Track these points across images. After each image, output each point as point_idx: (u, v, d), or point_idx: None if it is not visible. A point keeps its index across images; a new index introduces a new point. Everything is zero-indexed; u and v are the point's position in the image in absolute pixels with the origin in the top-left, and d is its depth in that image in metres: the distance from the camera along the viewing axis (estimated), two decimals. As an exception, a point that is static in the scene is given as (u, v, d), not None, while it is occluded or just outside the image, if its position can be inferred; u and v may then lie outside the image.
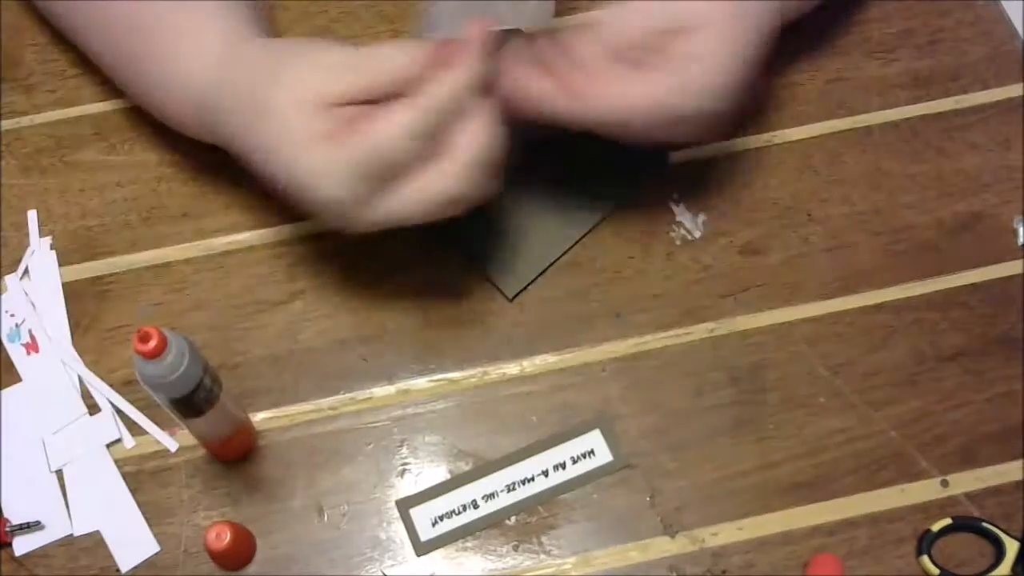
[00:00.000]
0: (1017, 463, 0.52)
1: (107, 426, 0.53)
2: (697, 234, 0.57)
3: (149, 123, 0.60)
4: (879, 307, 0.55)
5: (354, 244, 0.57)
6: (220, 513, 0.52)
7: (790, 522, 0.51)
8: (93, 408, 0.54)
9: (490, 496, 0.52)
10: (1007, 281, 0.56)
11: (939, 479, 0.52)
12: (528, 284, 0.56)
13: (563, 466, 0.52)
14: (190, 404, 0.45)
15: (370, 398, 0.54)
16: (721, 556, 0.50)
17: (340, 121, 0.47)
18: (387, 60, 0.48)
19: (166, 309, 0.56)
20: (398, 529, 0.51)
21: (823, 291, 0.56)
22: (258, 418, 0.54)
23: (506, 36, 0.50)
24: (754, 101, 0.59)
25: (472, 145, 0.47)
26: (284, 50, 0.50)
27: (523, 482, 0.52)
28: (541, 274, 0.56)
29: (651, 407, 0.53)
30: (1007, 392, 0.53)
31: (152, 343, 0.41)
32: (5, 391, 0.54)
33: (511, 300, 0.56)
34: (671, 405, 0.53)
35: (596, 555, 0.51)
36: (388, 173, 0.47)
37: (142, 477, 0.52)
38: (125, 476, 0.52)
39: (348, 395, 0.54)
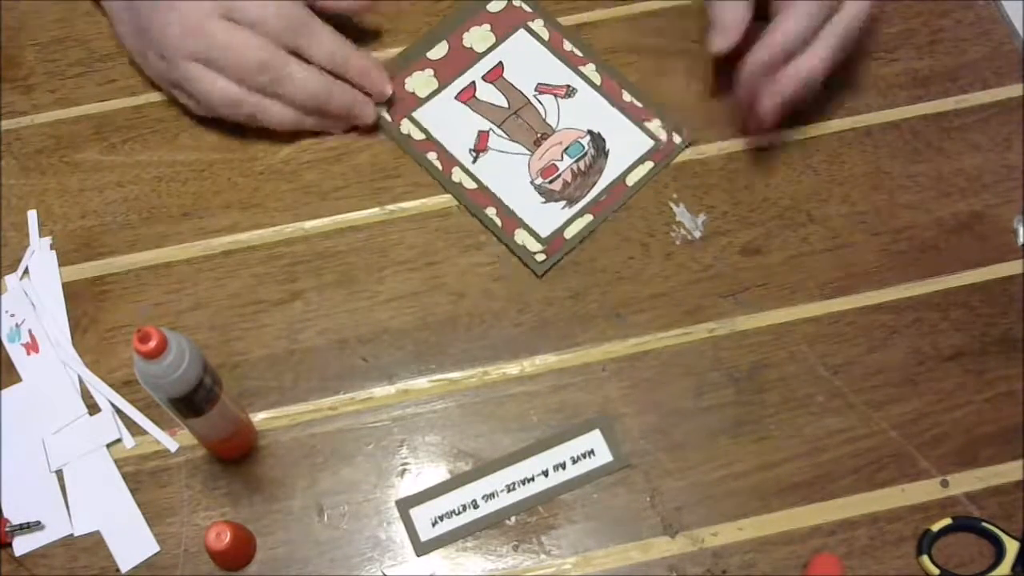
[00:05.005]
0: (1017, 463, 0.52)
1: (107, 426, 0.53)
2: (697, 234, 0.57)
3: (149, 123, 0.61)
4: (879, 307, 0.55)
5: (354, 244, 0.57)
6: (220, 513, 0.52)
7: (790, 522, 0.51)
8: (93, 408, 0.54)
9: (490, 496, 0.52)
10: (1007, 281, 0.56)
11: (939, 479, 0.52)
12: (562, 257, 0.56)
13: (563, 466, 0.52)
14: (190, 404, 0.45)
15: (370, 398, 0.54)
16: (721, 556, 0.50)
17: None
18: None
19: (166, 309, 0.56)
20: (398, 529, 0.51)
21: (823, 291, 0.56)
22: (258, 418, 0.54)
23: None
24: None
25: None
26: None
27: (523, 482, 0.52)
28: (572, 250, 0.57)
29: (651, 407, 0.53)
30: (1007, 392, 0.53)
31: (152, 343, 0.41)
32: (5, 391, 0.54)
33: (540, 277, 0.56)
34: (671, 405, 0.53)
35: (596, 555, 0.51)
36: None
37: (142, 477, 0.52)
38: (125, 476, 0.52)
39: (348, 395, 0.54)
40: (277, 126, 0.58)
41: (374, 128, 0.60)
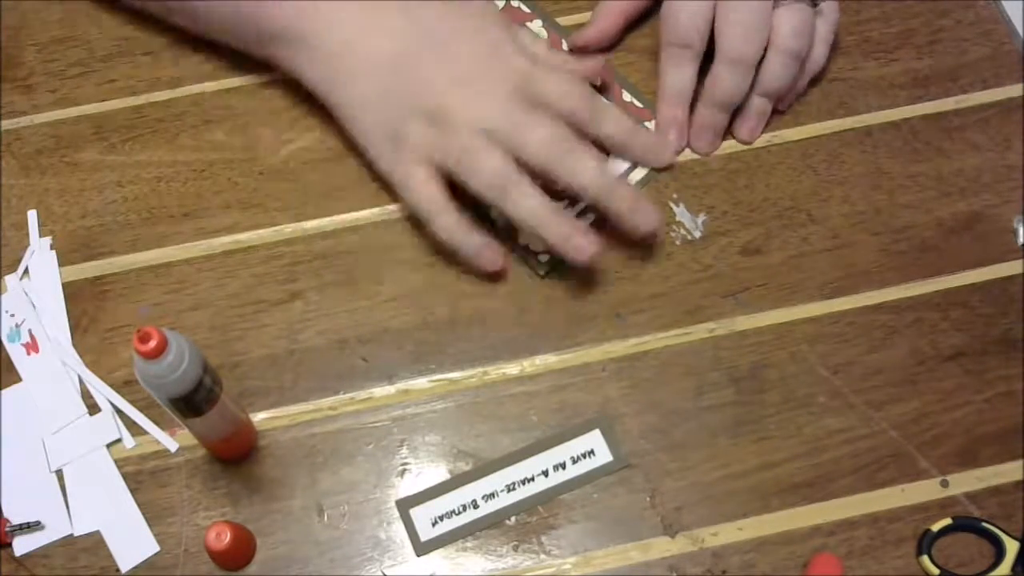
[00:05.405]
0: (1017, 463, 0.52)
1: (107, 426, 0.53)
2: (697, 234, 0.57)
3: (149, 123, 0.61)
4: (879, 307, 0.55)
5: (354, 244, 0.57)
6: (220, 513, 0.52)
7: (790, 522, 0.51)
8: (93, 408, 0.54)
9: (490, 496, 0.52)
10: (1007, 281, 0.56)
11: (939, 479, 0.52)
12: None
13: (563, 466, 0.52)
14: (190, 404, 0.45)
15: (370, 398, 0.54)
16: (721, 556, 0.50)
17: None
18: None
19: (166, 309, 0.56)
20: (398, 529, 0.51)
21: (823, 291, 0.56)
22: (258, 418, 0.54)
23: None
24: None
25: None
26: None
27: (523, 482, 0.52)
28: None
29: (651, 407, 0.53)
30: (1007, 392, 0.53)
31: (152, 343, 0.41)
32: (5, 391, 0.54)
33: (543, 277, 0.56)
34: (671, 405, 0.53)
35: (596, 555, 0.51)
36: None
37: (142, 477, 0.52)
38: (125, 476, 0.52)
39: (348, 395, 0.54)
40: (521, 221, 0.53)
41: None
